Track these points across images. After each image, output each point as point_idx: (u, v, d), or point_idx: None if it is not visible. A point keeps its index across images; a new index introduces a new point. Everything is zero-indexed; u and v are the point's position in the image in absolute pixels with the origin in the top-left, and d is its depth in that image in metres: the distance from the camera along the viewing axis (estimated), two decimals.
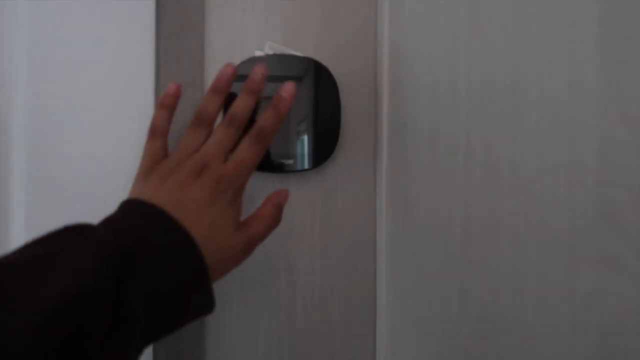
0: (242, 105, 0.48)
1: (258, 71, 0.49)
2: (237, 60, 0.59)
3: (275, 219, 0.48)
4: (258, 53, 0.59)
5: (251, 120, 0.49)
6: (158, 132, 0.48)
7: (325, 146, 0.59)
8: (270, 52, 0.60)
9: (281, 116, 0.48)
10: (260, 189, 0.60)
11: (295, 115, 0.58)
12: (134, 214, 0.39)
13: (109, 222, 0.38)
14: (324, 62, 0.59)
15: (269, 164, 0.58)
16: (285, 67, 0.59)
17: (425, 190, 0.48)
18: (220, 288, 0.59)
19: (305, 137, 0.59)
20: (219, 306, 0.59)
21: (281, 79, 0.58)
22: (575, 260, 0.28)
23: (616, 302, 0.25)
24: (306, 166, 0.59)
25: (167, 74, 0.58)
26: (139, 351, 0.36)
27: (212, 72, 0.59)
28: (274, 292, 0.61)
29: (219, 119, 0.53)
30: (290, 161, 0.58)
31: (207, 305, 0.40)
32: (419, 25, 0.50)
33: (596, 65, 0.26)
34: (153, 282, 0.36)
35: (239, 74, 0.57)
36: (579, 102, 0.27)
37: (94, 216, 0.40)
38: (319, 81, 0.59)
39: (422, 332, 0.49)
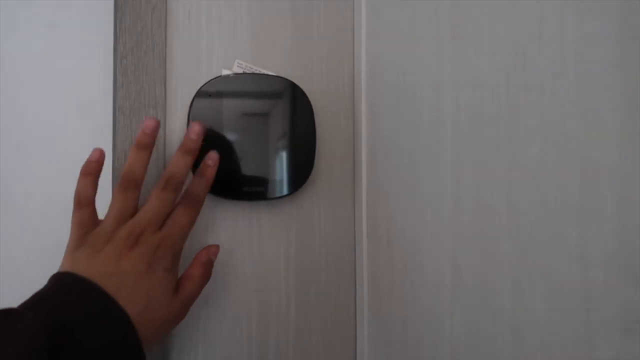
0: (178, 165, 0.47)
1: (194, 129, 0.49)
2: (202, 79, 0.54)
3: (206, 278, 0.48)
4: (225, 72, 0.55)
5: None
6: (83, 201, 0.45)
7: (300, 171, 0.54)
8: (239, 70, 0.55)
9: (209, 182, 0.49)
10: (229, 218, 0.55)
11: (266, 138, 0.54)
12: (64, 290, 0.38)
13: (36, 301, 0.37)
14: (297, 81, 0.55)
15: (238, 192, 0.53)
16: (255, 87, 0.54)
17: (409, 224, 0.44)
18: (184, 329, 0.54)
19: (278, 162, 0.54)
20: (182, 351, 0.53)
21: (251, 101, 0.53)
22: (592, 323, 0.23)
23: None
24: (279, 193, 0.54)
25: (126, 94, 0.53)
26: None
27: (175, 92, 0.54)
28: (244, 332, 0.55)
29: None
30: (261, 188, 0.53)
31: None
32: (400, 41, 0.46)
33: (614, 90, 0.22)
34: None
35: (207, 94, 0.53)
36: (593, 133, 0.23)
37: (48, 241, 0.41)
38: (291, 102, 0.54)
39: None
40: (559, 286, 0.25)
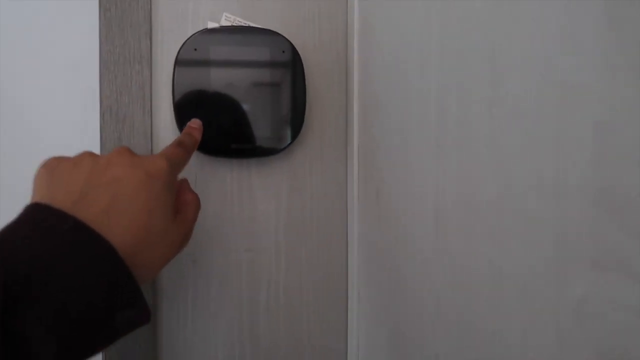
0: (186, 139, 0.45)
1: (196, 122, 0.48)
2: (189, 33, 0.52)
3: (199, 203, 0.43)
4: (211, 25, 0.53)
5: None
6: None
7: (290, 127, 0.53)
8: (227, 24, 0.53)
9: (197, 140, 0.46)
10: (217, 176, 0.54)
11: (254, 93, 0.52)
12: (34, 225, 0.32)
13: (4, 237, 0.31)
14: (288, 36, 0.53)
15: (226, 149, 0.52)
16: (243, 40, 0.52)
17: (396, 177, 0.42)
18: (170, 289, 0.53)
19: (267, 118, 0.52)
20: (170, 312, 0.53)
21: (239, 55, 0.52)
22: (566, 259, 0.22)
23: (616, 311, 0.19)
24: (269, 150, 0.53)
25: (110, 49, 0.52)
26: None
27: (160, 46, 0.53)
28: (234, 293, 0.55)
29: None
30: (250, 145, 0.52)
31: (139, 318, 0.34)
32: None
33: (595, 13, 0.20)
34: (60, 305, 0.29)
35: (193, 48, 0.51)
36: (575, 60, 0.21)
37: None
38: (281, 56, 0.52)
39: (394, 334, 0.43)
40: (536, 226, 0.24)
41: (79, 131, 0.52)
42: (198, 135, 0.47)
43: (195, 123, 0.48)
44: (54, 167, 0.36)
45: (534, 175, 0.24)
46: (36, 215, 0.32)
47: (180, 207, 0.41)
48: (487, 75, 0.28)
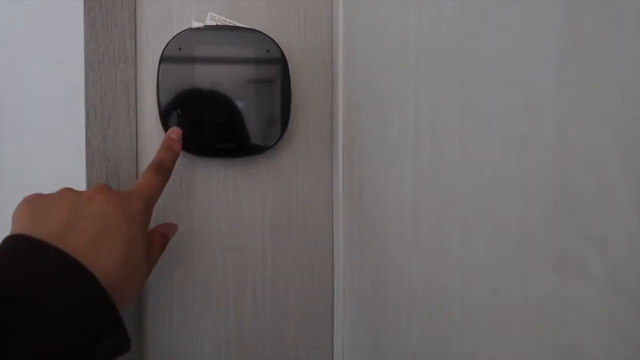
0: (166, 155, 0.46)
1: (175, 131, 0.49)
2: (173, 32, 0.52)
3: (163, 249, 0.45)
4: (196, 24, 0.53)
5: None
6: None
7: (275, 127, 0.53)
8: (212, 23, 0.53)
9: (176, 154, 0.47)
10: (202, 176, 0.54)
11: (239, 93, 0.52)
12: (15, 254, 0.32)
13: None
14: (273, 36, 0.53)
15: (211, 149, 0.52)
16: (228, 40, 0.52)
17: (378, 177, 0.43)
18: (156, 289, 0.54)
19: (252, 117, 0.53)
20: (156, 311, 0.53)
21: (223, 54, 0.52)
22: (528, 259, 0.22)
23: (575, 310, 0.19)
24: (254, 149, 0.53)
25: (95, 48, 0.52)
26: None
27: (145, 46, 0.53)
28: (220, 292, 0.55)
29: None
30: (235, 145, 0.52)
31: (119, 347, 0.33)
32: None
33: (555, 16, 0.20)
34: (42, 333, 0.29)
35: (178, 47, 0.51)
36: (537, 60, 0.22)
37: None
38: (266, 56, 0.53)
39: (376, 331, 0.44)
40: (501, 226, 0.24)
41: (63, 131, 0.52)
42: (178, 148, 0.47)
43: (175, 134, 0.48)
44: (35, 202, 0.37)
45: (500, 175, 0.24)
46: (18, 245, 0.32)
47: (149, 245, 0.42)
48: (457, 76, 0.28)
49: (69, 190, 0.39)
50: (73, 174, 0.52)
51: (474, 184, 0.26)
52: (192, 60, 0.51)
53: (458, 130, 0.28)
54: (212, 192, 0.54)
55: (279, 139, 0.53)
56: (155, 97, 0.51)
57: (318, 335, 0.57)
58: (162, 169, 0.44)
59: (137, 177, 0.52)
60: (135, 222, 0.37)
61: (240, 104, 0.52)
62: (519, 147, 0.23)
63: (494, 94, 0.25)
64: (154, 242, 0.44)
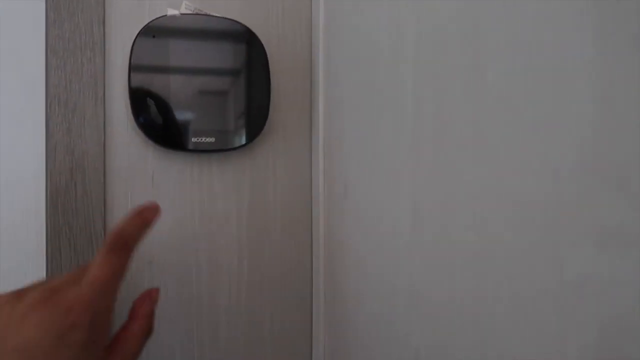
0: (132, 223, 0.36)
1: (153, 206, 0.38)
2: (145, 19, 0.49)
3: (148, 332, 0.37)
4: (171, 12, 0.50)
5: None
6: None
7: (253, 121, 0.51)
8: (187, 12, 0.51)
9: (148, 225, 0.37)
10: (176, 171, 0.51)
11: (216, 85, 0.50)
12: None
13: None
14: (252, 27, 0.51)
15: (186, 143, 0.49)
16: (205, 29, 0.50)
17: (366, 174, 0.41)
18: (125, 292, 0.50)
19: (229, 111, 0.50)
20: (125, 316, 0.49)
21: (199, 44, 0.49)
22: (561, 239, 0.21)
23: (619, 290, 0.19)
24: (231, 144, 0.50)
25: (59, 34, 0.48)
26: None
27: (115, 32, 0.49)
28: (193, 294, 0.52)
29: None
30: (211, 139, 0.50)
31: None
32: None
33: None
34: None
35: (152, 35, 0.48)
36: (567, 37, 0.21)
37: None
38: (244, 47, 0.51)
39: (359, 340, 0.42)
40: (525, 209, 0.23)
41: (22, 122, 0.48)
42: (151, 217, 0.37)
43: (154, 207, 0.38)
44: None
45: (522, 158, 0.23)
46: None
47: (119, 340, 0.35)
48: (468, 62, 0.27)
49: (6, 300, 0.32)
50: (34, 171, 0.47)
51: (490, 169, 0.25)
52: (166, 49, 0.48)
53: (471, 115, 0.27)
54: (186, 189, 0.51)
55: (257, 134, 0.51)
56: (126, 86, 0.48)
57: (296, 339, 0.55)
58: (122, 245, 0.34)
59: (104, 173, 0.48)
60: (72, 347, 0.31)
61: (216, 97, 0.50)
62: (549, 126, 0.22)
63: (514, 75, 0.24)
64: (133, 333, 0.36)
